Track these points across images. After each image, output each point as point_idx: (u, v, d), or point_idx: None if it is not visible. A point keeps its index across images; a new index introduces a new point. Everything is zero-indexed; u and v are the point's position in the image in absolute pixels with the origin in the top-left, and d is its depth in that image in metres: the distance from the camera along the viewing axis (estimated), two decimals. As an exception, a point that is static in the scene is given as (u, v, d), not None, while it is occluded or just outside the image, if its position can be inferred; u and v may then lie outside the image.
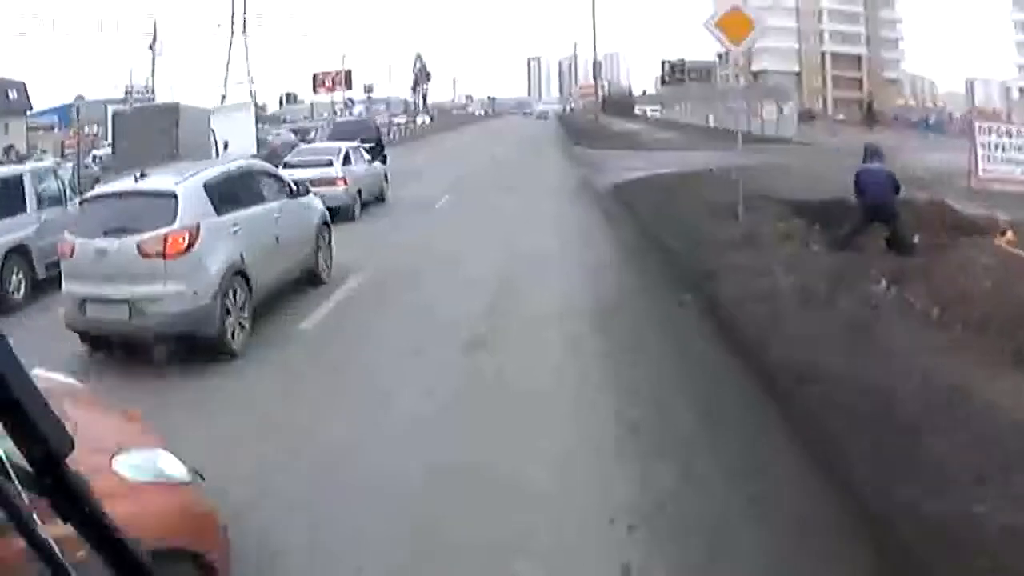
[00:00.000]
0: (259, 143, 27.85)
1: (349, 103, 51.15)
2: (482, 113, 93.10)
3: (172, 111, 19.30)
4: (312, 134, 31.02)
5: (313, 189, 11.12)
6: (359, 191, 16.63)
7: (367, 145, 21.32)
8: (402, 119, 62.86)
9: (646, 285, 9.45)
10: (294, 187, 9.29)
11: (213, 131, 21.75)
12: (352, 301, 9.26)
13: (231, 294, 7.26)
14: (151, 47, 45.13)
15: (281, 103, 73.32)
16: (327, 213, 10.34)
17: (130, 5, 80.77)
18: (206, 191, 7.41)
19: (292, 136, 32.43)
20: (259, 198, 8.46)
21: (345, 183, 15.92)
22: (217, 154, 21.08)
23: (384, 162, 21.58)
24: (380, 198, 18.43)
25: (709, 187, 14.81)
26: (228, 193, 7.79)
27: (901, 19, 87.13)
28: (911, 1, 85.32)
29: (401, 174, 22.18)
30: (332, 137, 23.77)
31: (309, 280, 9.40)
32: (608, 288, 9.21)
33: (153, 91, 47.22)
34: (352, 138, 21.54)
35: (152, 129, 17.97)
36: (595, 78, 43.23)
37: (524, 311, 8.42)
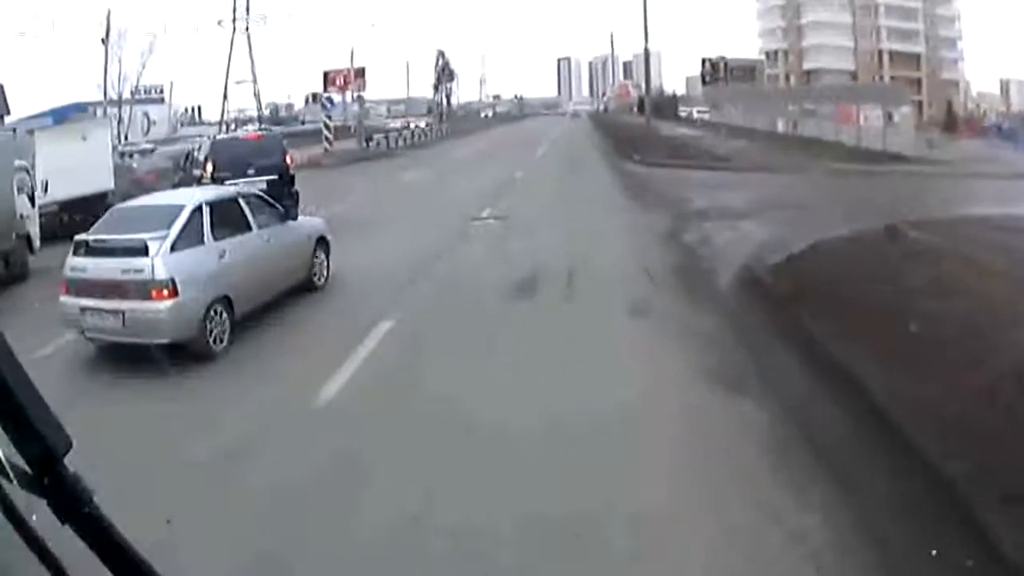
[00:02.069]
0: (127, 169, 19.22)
1: (328, 103, 43.42)
2: (488, 115, 78.31)
3: None
4: (196, 153, 19.30)
5: (100, 305, 7.66)
6: (223, 300, 8.07)
7: (264, 180, 13.81)
8: (397, 123, 52.95)
9: None
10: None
11: (27, 169, 13.59)
12: None
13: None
14: (103, 41, 38.79)
15: (307, 102, 68.18)
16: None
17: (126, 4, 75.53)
18: None
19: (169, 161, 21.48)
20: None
21: (173, 293, 7.61)
22: (33, 201, 13.60)
23: (295, 203, 13.57)
24: (307, 286, 10.12)
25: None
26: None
27: (959, 16, 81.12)
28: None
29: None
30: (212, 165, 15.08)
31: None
32: None
33: (109, 91, 41.06)
34: (239, 168, 14.17)
35: None
36: (646, 76, 36.18)
37: None
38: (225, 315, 7.99)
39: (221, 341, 7.92)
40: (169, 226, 7.86)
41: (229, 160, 14.45)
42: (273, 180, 13.82)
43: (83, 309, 7.79)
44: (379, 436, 5.51)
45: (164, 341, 7.51)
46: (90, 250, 7.93)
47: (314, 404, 6.22)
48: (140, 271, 7.57)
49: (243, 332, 8.22)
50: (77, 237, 8.23)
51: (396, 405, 6.10)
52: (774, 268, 9.13)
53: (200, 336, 7.69)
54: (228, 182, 13.12)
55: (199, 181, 14.60)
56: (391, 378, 6.79)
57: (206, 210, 8.31)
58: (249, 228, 8.95)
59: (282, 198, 13.06)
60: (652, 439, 5.32)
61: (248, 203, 9.23)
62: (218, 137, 18.93)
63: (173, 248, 7.76)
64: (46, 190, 14.44)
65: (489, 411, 5.82)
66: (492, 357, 7.28)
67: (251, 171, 14.10)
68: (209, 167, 14.45)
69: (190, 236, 7.98)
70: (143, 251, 7.64)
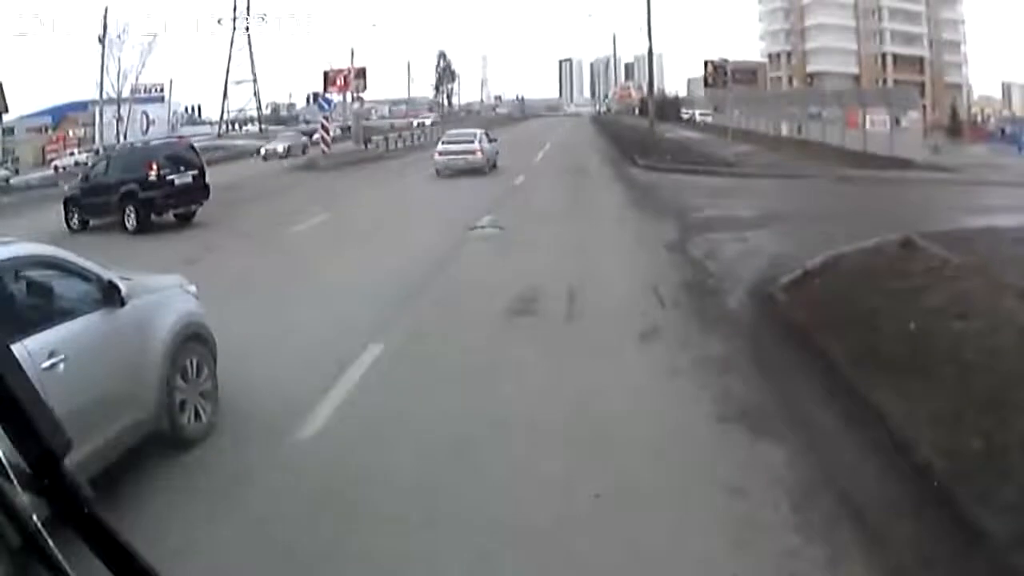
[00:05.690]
0: None
1: (324, 104, 42.55)
2: (424, 122, 66.81)
3: None
4: (98, 166, 20.44)
5: (462, 157, 26.43)
6: (488, 158, 26.89)
7: (190, 174, 18.62)
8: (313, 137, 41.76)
9: None
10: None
11: None
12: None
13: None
14: (100, 39, 38.52)
15: (308, 101, 68.70)
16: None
17: (126, 3, 75.07)
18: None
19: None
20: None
21: (482, 153, 26.58)
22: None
23: (207, 194, 19.14)
24: (495, 165, 27.56)
25: None
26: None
27: (963, 19, 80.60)
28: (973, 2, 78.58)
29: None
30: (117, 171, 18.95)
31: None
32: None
33: (105, 88, 40.65)
34: (175, 166, 18.49)
35: None
36: (649, 77, 35.46)
37: None
38: (493, 163, 27.68)
39: (491, 169, 27.02)
40: (476, 136, 27.55)
41: (167, 160, 18.65)
42: (195, 174, 18.82)
43: (448, 160, 26.45)
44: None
45: (481, 167, 26.24)
46: (448, 142, 27.44)
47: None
48: (472, 145, 26.86)
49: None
50: (442, 139, 29.13)
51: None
52: (789, 286, 8.58)
53: (487, 165, 26.85)
54: (168, 177, 17.98)
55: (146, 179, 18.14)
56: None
57: (483, 134, 27.90)
58: (493, 141, 28.62)
59: (201, 187, 18.86)
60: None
61: (488, 134, 28.89)
62: (153, 143, 25.04)
63: (481, 141, 27.23)
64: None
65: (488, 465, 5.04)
66: (492, 389, 6.37)
67: (181, 167, 18.56)
68: (155, 165, 18.22)
69: (482, 139, 27.52)
70: (472, 141, 27.11)
